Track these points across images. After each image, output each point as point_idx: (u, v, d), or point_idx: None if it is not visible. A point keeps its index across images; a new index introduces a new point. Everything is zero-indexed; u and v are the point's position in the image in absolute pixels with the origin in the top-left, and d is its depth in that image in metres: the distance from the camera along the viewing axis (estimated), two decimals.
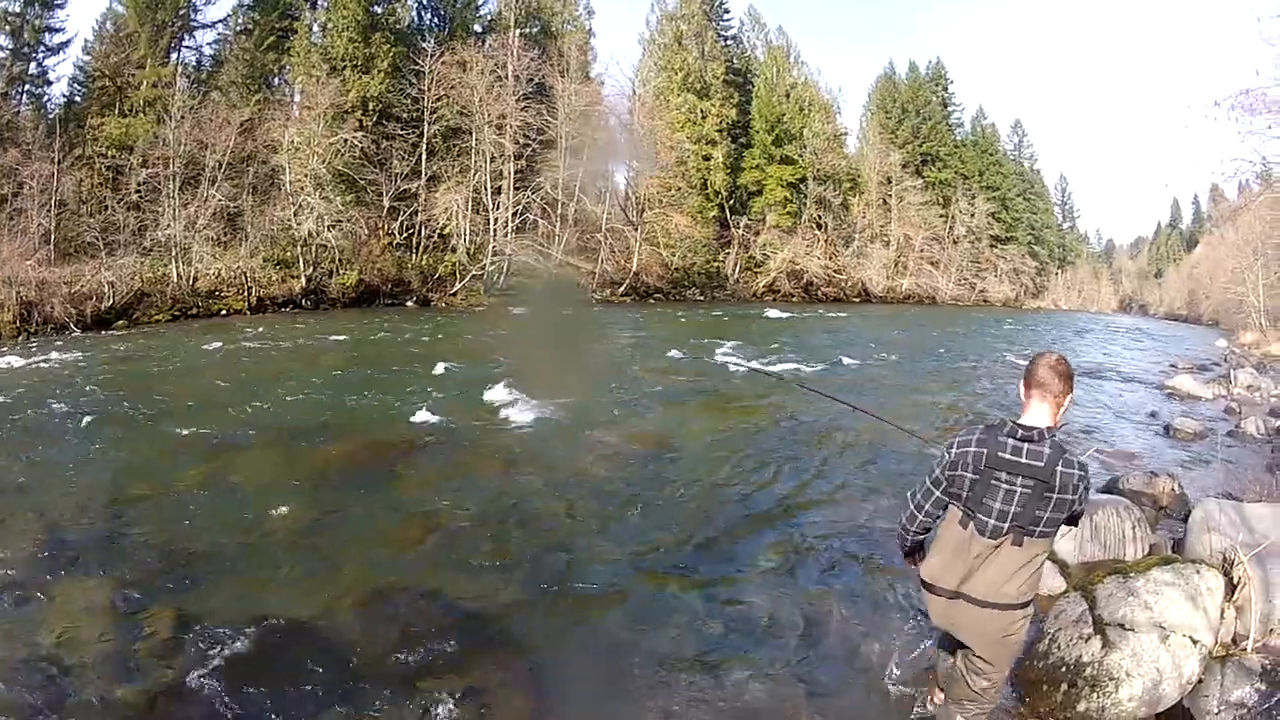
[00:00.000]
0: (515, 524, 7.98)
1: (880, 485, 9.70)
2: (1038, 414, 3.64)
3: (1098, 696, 4.86)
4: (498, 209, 40.12)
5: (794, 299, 55.32)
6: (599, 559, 7.21)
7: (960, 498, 3.70)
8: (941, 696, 4.60)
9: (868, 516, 8.41)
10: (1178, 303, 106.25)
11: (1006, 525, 3.57)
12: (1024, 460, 3.53)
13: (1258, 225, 44.83)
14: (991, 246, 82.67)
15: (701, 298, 49.33)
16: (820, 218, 61.90)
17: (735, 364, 19.05)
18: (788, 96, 63.52)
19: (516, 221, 40.70)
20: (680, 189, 50.99)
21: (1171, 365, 28.72)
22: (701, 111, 56.10)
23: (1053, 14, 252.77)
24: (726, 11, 65.06)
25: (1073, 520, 3.70)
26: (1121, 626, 5.11)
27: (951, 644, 4.26)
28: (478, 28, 46.85)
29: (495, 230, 39.73)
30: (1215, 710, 4.71)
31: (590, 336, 24.76)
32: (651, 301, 44.14)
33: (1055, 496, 3.49)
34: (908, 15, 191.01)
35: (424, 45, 40.55)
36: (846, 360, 21.66)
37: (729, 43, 64.65)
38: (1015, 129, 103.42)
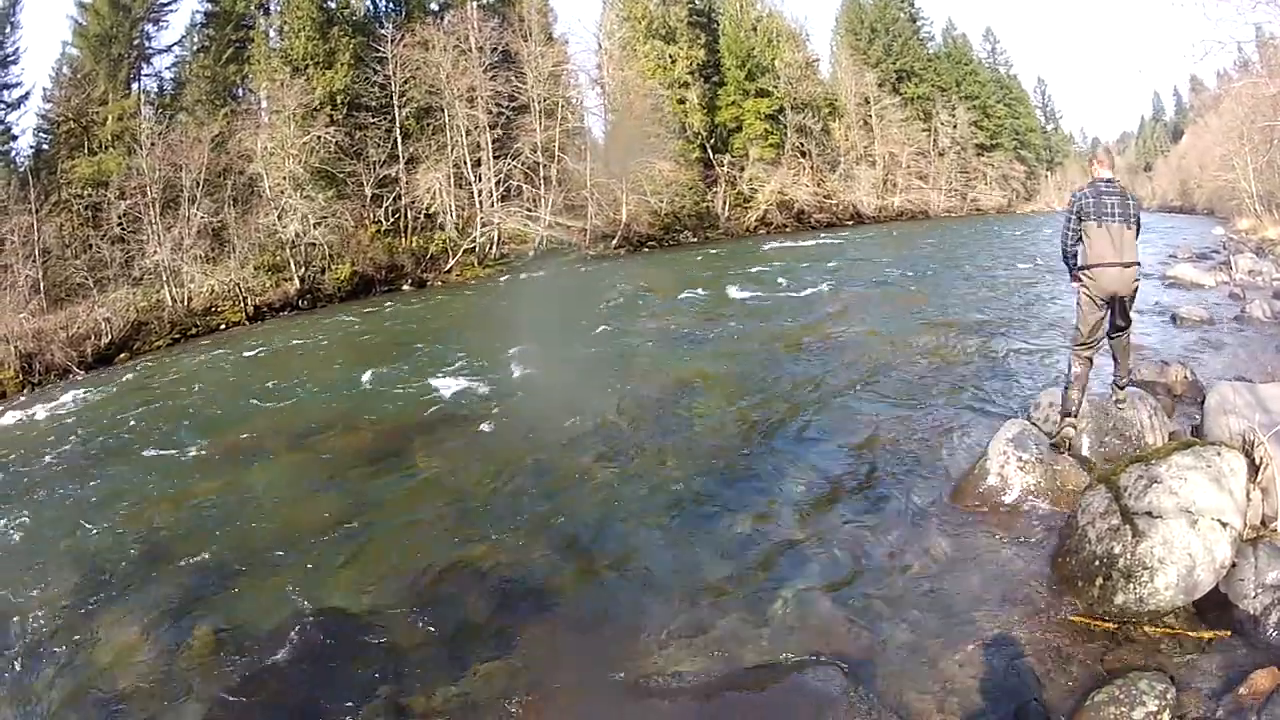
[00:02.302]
0: (537, 489, 8.16)
1: (892, 395, 10.34)
2: (1105, 171, 7.05)
3: (1135, 587, 4.92)
4: (480, 181, 40.20)
5: (787, 229, 55.19)
6: (623, 511, 7.40)
7: (1091, 215, 6.72)
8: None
9: (887, 430, 8.81)
10: (1170, 194, 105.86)
11: (1118, 218, 6.68)
12: (1113, 189, 6.85)
13: (1241, 111, 44.76)
14: (978, 155, 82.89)
15: (695, 239, 49.62)
16: (803, 145, 61.25)
17: (735, 297, 19.28)
18: (755, 30, 62.91)
19: (501, 190, 40.72)
20: (659, 135, 50.30)
21: (1171, 255, 28.97)
22: (670, 56, 55.86)
23: None
24: None
25: (1139, 221, 6.90)
26: (1149, 515, 5.07)
27: (1100, 317, 6.93)
28: (434, 6, 45.94)
29: (480, 202, 39.80)
30: (1252, 594, 4.76)
31: (585, 295, 24.84)
32: (646, 250, 44.38)
33: (1131, 202, 6.84)
34: None
35: (383, 32, 40.03)
36: (838, 284, 21.82)
37: None
38: (987, 36, 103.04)
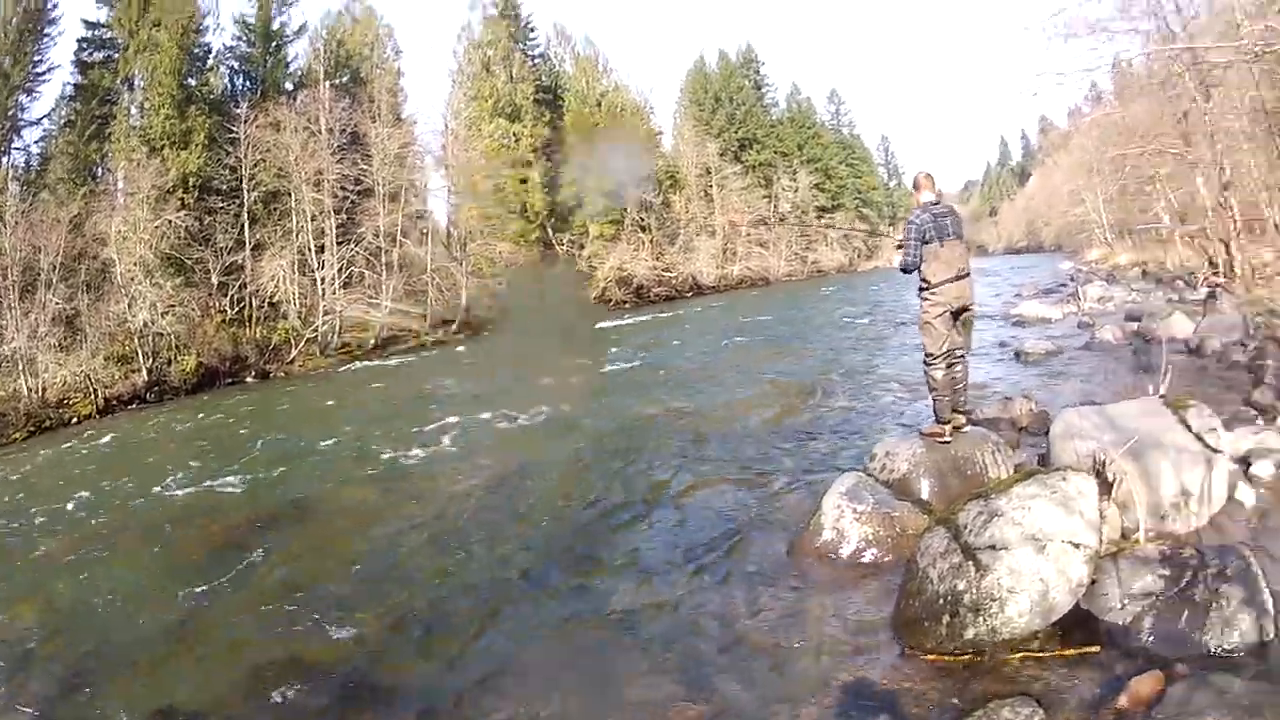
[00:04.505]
0: (374, 579, 8.26)
1: (732, 459, 10.55)
2: (930, 194, 7.74)
3: (984, 619, 5.04)
4: (322, 267, 40.23)
5: (626, 305, 56.01)
6: (462, 596, 7.50)
7: (933, 236, 7.41)
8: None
9: (725, 498, 9.01)
10: (1016, 235, 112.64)
11: (953, 234, 7.50)
12: (944, 209, 7.64)
13: (1091, 143, 46.92)
14: (819, 217, 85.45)
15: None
16: (643, 220, 63.30)
17: (574, 377, 19.85)
18: (599, 105, 64.98)
19: (343, 277, 40.79)
20: (500, 216, 51.62)
21: (1017, 294, 30.61)
22: (515, 135, 57.56)
23: None
24: (532, 30, 66.75)
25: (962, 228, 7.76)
26: (992, 548, 5.22)
27: (950, 329, 7.63)
28: (289, 85, 47.15)
29: (323, 289, 39.86)
30: (1119, 605, 4.93)
31: (420, 383, 24.96)
32: (485, 334, 44.28)
33: (960, 219, 7.74)
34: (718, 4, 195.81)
35: (238, 111, 40.26)
36: (674, 357, 22.69)
37: (537, 61, 66.06)
38: (832, 98, 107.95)
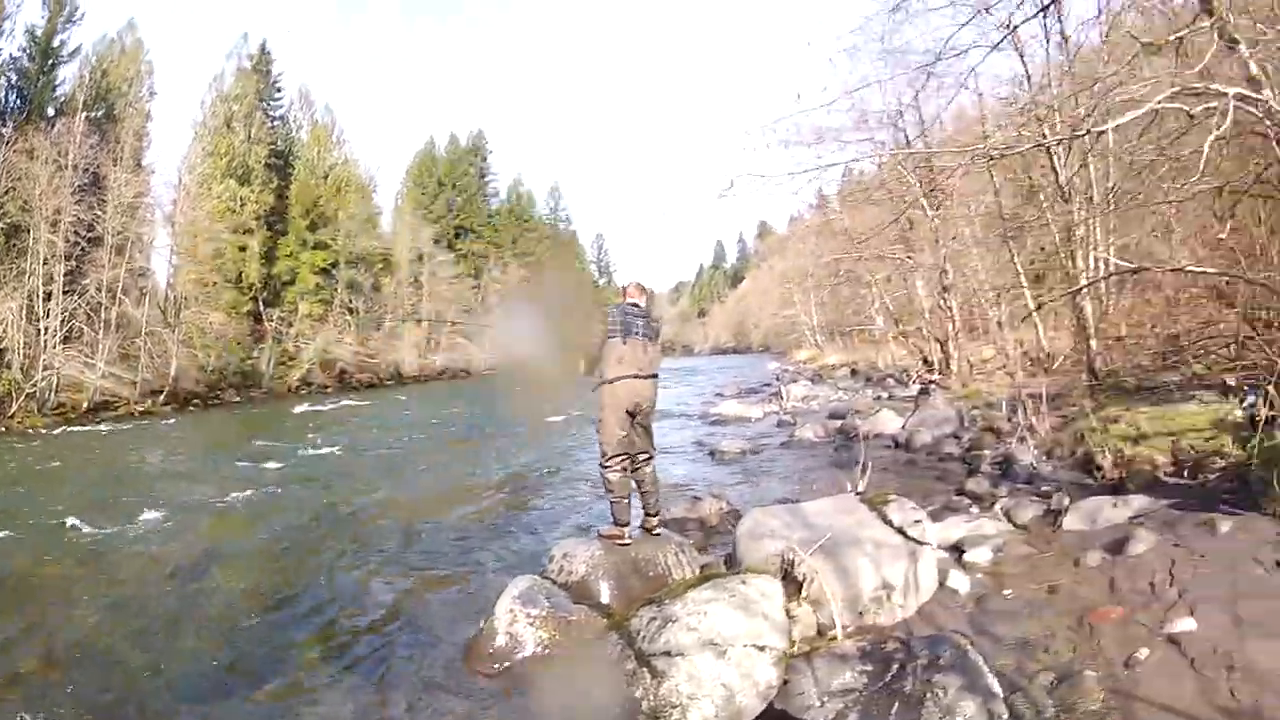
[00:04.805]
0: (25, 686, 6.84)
1: (412, 561, 9.87)
2: (635, 299, 7.47)
3: None
4: (48, 316, 37.18)
5: (329, 389, 54.80)
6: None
7: (618, 332, 7.07)
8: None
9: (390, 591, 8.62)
10: (724, 336, 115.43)
11: (643, 334, 7.15)
12: (639, 312, 7.33)
13: (807, 248, 47.78)
14: None
15: (239, 399, 47.59)
16: (352, 302, 64.04)
17: (266, 465, 18.52)
18: (326, 178, 64.92)
19: (65, 330, 37.68)
20: (216, 283, 50.62)
21: (718, 394, 30.51)
22: (241, 199, 56.22)
23: (593, 80, 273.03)
24: (279, 90, 66.21)
25: (658, 333, 7.51)
26: (668, 654, 5.13)
27: (627, 430, 7.23)
28: (51, 110, 43.70)
29: (45, 341, 36.59)
30: (817, 703, 4.84)
31: (118, 460, 22.71)
32: (191, 408, 42.06)
33: (654, 323, 7.42)
34: (456, 84, 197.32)
35: (2, 130, 37.41)
36: (365, 449, 21.74)
37: (276, 123, 65.25)
38: (552, 193, 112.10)
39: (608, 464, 7.27)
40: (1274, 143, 6.55)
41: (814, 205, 40.13)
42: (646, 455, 7.47)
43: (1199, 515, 6.78)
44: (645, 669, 5.15)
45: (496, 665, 6.13)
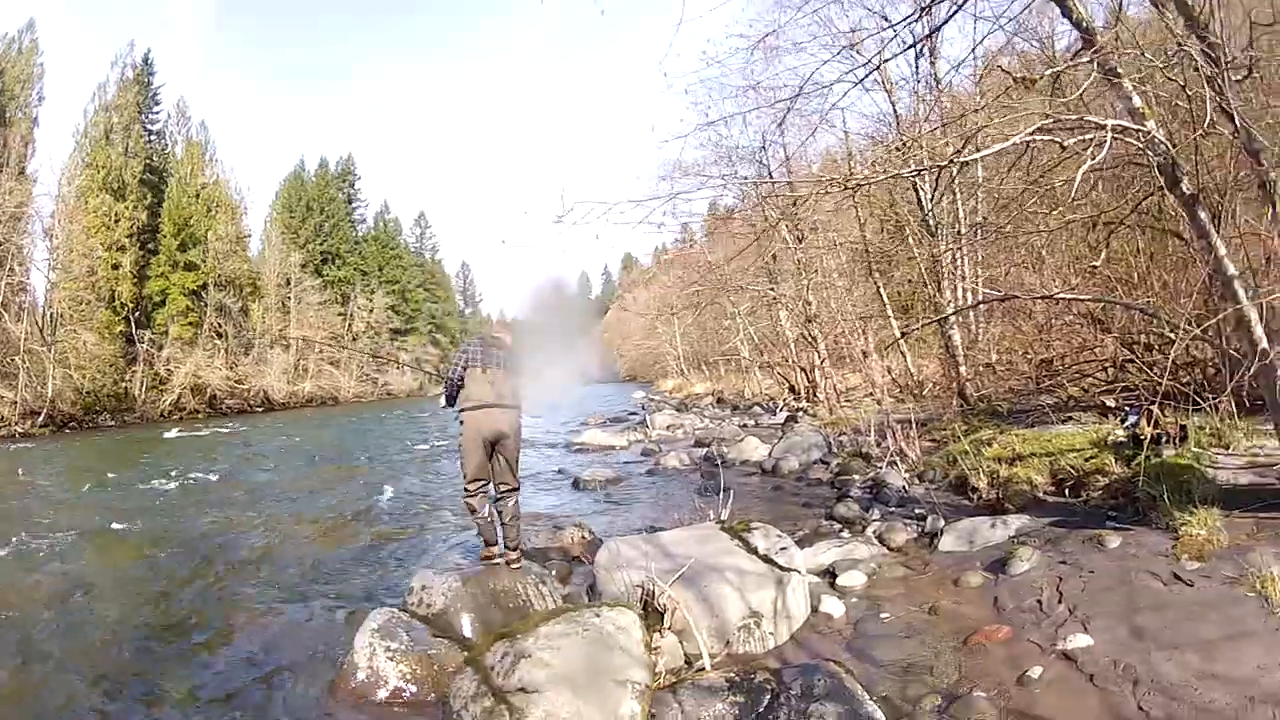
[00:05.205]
0: None
1: (275, 593, 9.39)
2: (500, 331, 8.07)
3: None
4: None
5: (200, 414, 53.97)
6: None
7: (477, 362, 7.28)
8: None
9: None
10: (591, 368, 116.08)
11: (500, 365, 7.35)
12: (499, 343, 7.57)
13: (670, 280, 47.08)
14: (392, 340, 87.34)
15: (113, 423, 46.14)
16: (221, 326, 61.78)
17: (140, 489, 18.15)
18: (197, 197, 62.85)
19: None
20: (90, 302, 49.30)
21: (582, 423, 29.17)
22: (116, 215, 54.24)
23: (461, 107, 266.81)
24: (157, 103, 63.73)
25: (519, 368, 7.68)
26: (524, 690, 5.01)
27: (486, 457, 7.34)
28: None
29: None
30: None
31: (14, 479, 22.33)
32: (68, 431, 41.13)
33: (509, 354, 7.55)
34: (328, 105, 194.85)
35: None
36: (234, 476, 20.74)
37: (153, 138, 62.95)
38: (419, 221, 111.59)
39: (469, 489, 7.40)
40: (1155, 172, 6.69)
41: (679, 239, 40.60)
42: (509, 488, 7.52)
43: (1085, 532, 6.83)
44: (504, 705, 5.00)
45: (360, 700, 5.95)
